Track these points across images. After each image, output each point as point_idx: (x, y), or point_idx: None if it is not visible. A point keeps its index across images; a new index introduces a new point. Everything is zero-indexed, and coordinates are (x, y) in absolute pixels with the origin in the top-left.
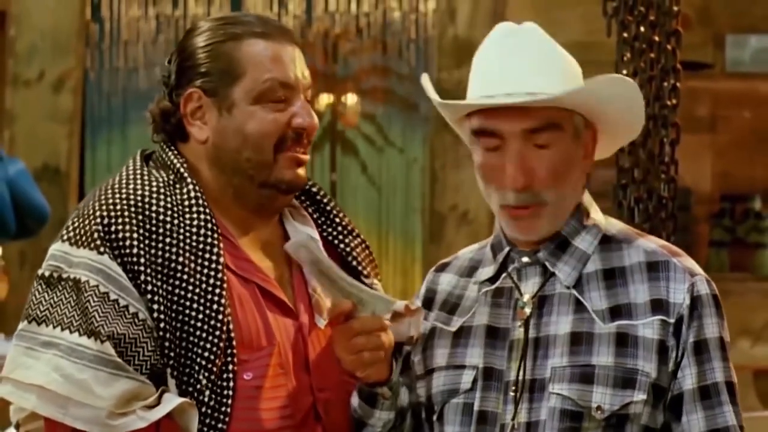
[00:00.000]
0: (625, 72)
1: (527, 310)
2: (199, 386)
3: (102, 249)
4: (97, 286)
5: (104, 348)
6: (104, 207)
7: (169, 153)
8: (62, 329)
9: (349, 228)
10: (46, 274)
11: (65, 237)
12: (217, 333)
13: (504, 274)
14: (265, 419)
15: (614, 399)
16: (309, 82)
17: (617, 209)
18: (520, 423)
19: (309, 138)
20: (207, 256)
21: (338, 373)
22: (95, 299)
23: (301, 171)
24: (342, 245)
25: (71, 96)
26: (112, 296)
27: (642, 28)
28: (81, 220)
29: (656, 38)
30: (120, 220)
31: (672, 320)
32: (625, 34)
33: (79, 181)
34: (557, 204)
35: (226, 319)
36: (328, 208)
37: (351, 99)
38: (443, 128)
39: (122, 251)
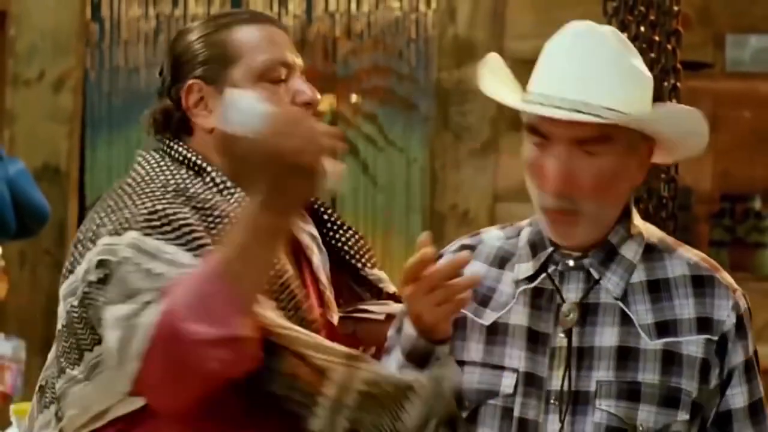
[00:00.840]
0: None
1: (572, 318)
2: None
3: (145, 232)
4: (131, 258)
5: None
6: (145, 196)
7: (179, 148)
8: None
9: (339, 223)
10: (96, 278)
11: (107, 230)
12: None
13: (544, 275)
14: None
15: (658, 417)
16: (302, 64)
17: None
18: None
19: (314, 113)
20: None
21: None
22: (131, 268)
23: None
24: (333, 241)
25: (71, 96)
26: (144, 266)
27: (642, 28)
28: (120, 212)
29: (656, 38)
30: (165, 202)
31: (716, 338)
32: (626, 34)
33: (80, 181)
34: (596, 215)
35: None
36: (316, 206)
37: (346, 99)
38: (443, 128)
39: (175, 225)
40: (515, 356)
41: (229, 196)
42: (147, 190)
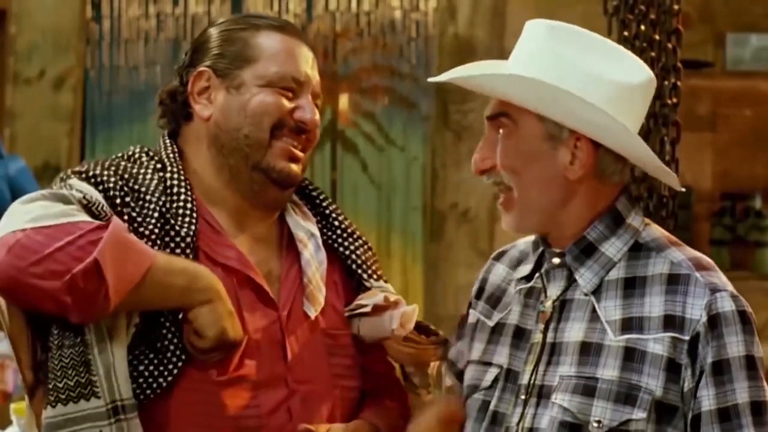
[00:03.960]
0: None
1: (547, 313)
2: (166, 342)
3: (85, 181)
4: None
5: (71, 209)
6: (92, 163)
7: (161, 142)
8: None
9: (350, 230)
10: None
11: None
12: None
13: (537, 274)
14: (226, 407)
15: (614, 414)
16: (318, 89)
17: None
18: (524, 428)
19: (309, 136)
20: (177, 239)
21: (325, 367)
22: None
23: (295, 166)
24: (341, 248)
25: (72, 94)
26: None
27: (642, 27)
28: (69, 170)
29: (657, 37)
30: (106, 173)
31: (686, 337)
32: (626, 33)
33: None
34: (523, 195)
35: None
36: (327, 211)
37: (346, 97)
38: (443, 127)
39: (102, 186)
40: (503, 353)
41: (172, 199)
42: (100, 163)
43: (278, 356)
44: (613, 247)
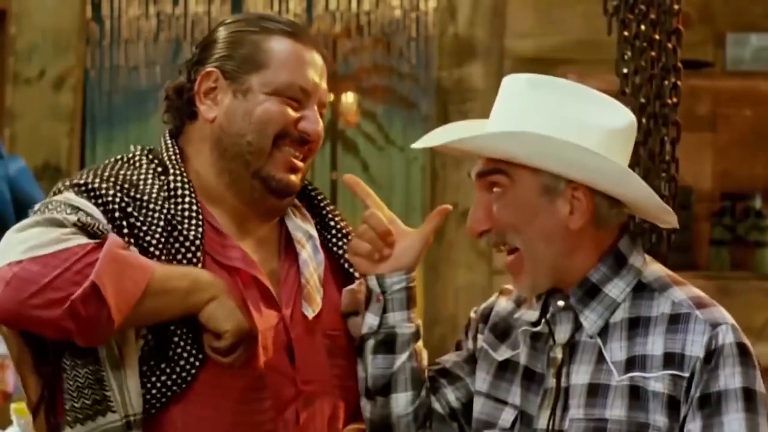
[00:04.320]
0: (626, 70)
1: (558, 358)
2: (179, 350)
3: (83, 195)
4: (61, 201)
5: (65, 234)
6: (92, 173)
7: (162, 143)
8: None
9: (344, 231)
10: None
11: (49, 197)
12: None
13: (543, 320)
14: (240, 410)
15: None
16: (325, 98)
17: None
18: None
19: (312, 146)
20: (187, 244)
21: (326, 367)
22: (60, 207)
23: (294, 177)
24: (335, 248)
25: (72, 94)
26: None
27: (642, 27)
28: (67, 181)
29: (657, 37)
30: (105, 185)
31: (686, 374)
32: (626, 33)
33: None
34: (531, 253)
35: None
36: (324, 212)
37: (350, 98)
38: None
39: (101, 200)
40: (517, 394)
41: (176, 202)
42: (99, 172)
43: (286, 357)
44: (617, 288)
